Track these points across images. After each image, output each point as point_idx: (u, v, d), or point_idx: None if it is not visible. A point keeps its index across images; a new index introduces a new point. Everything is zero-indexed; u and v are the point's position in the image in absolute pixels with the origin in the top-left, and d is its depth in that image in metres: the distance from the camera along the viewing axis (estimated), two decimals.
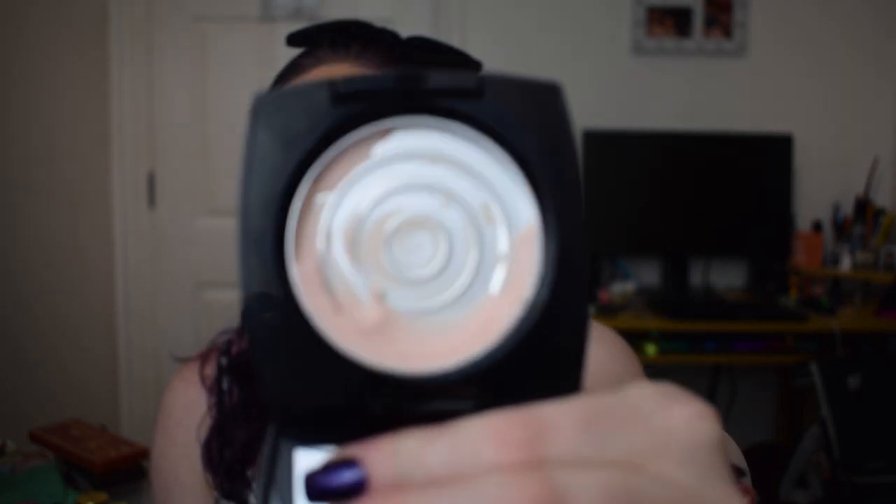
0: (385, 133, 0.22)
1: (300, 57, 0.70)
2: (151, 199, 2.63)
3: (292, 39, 0.72)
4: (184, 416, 0.73)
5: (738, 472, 0.29)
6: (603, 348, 0.65)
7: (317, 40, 0.71)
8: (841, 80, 2.64)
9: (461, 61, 0.72)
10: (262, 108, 0.21)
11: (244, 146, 0.21)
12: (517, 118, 0.21)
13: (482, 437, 0.19)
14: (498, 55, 2.57)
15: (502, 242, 0.22)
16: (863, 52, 2.64)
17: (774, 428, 2.67)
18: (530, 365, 0.21)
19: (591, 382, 0.65)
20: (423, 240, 0.22)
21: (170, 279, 2.63)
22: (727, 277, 2.63)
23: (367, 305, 0.22)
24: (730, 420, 2.55)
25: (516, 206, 0.22)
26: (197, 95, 2.60)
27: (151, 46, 2.59)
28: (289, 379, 0.21)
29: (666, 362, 2.27)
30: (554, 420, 0.19)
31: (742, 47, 2.61)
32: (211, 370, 0.73)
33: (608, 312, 2.27)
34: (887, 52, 2.65)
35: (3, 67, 2.30)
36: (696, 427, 0.20)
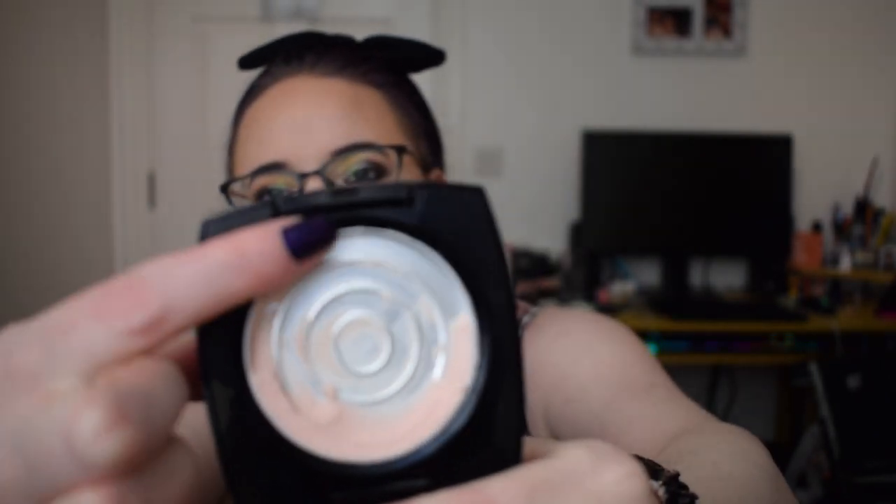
0: None
1: (258, 78, 0.69)
2: (152, 199, 2.63)
3: (244, 62, 0.70)
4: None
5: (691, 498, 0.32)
6: (615, 347, 0.65)
7: (270, 58, 0.69)
8: (840, 80, 2.65)
9: (422, 54, 0.71)
10: (210, 232, 0.23)
11: None
12: (446, 222, 0.24)
13: None
14: (498, 55, 2.57)
15: (441, 334, 0.24)
16: (862, 52, 2.64)
17: (774, 428, 2.67)
18: (474, 444, 0.23)
19: (605, 380, 0.64)
20: (369, 337, 0.24)
21: None
22: (727, 277, 2.63)
23: (322, 403, 0.23)
24: (729, 420, 2.55)
25: (451, 300, 0.24)
26: (197, 95, 2.60)
27: (151, 46, 2.59)
28: (255, 478, 0.23)
29: (666, 362, 2.26)
30: (498, 495, 0.21)
31: (742, 48, 2.61)
32: None
33: (608, 312, 2.27)
34: (886, 53, 2.65)
35: (4, 68, 2.31)
36: (625, 486, 0.22)
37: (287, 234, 0.22)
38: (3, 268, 2.31)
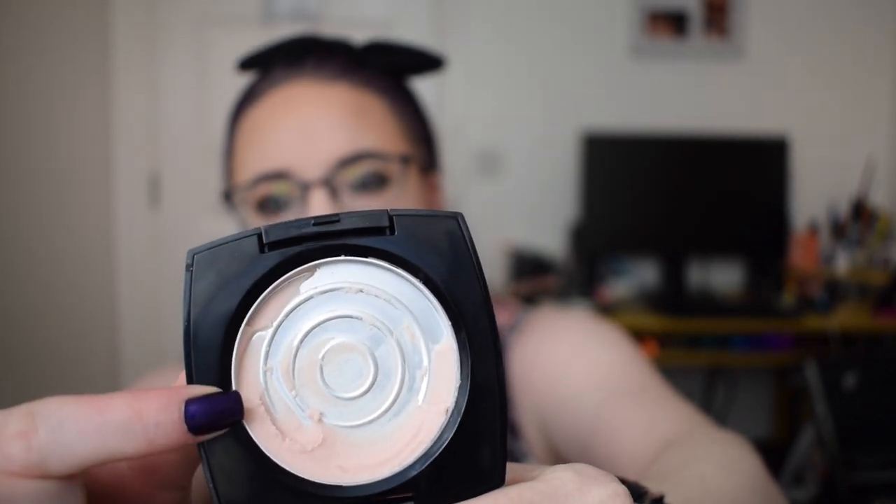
0: (311, 270, 0.24)
1: (257, 82, 0.68)
2: (154, 199, 2.64)
3: (244, 64, 0.69)
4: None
5: None
6: (607, 349, 0.65)
7: (270, 62, 0.68)
8: (837, 81, 2.66)
9: (422, 60, 0.70)
10: (197, 262, 0.24)
11: (184, 297, 0.24)
12: (425, 248, 0.24)
13: None
14: (498, 57, 2.58)
15: (424, 358, 0.25)
16: (859, 54, 2.66)
17: (771, 426, 2.69)
18: (458, 464, 0.24)
19: (592, 380, 0.64)
20: (353, 362, 0.24)
21: (172, 280, 2.64)
22: (724, 277, 2.64)
23: (308, 428, 0.24)
24: (727, 419, 2.57)
25: (433, 324, 0.25)
26: (199, 96, 2.61)
27: (154, 47, 2.60)
28: (244, 502, 0.23)
29: (663, 361, 2.28)
30: None
31: (739, 50, 2.62)
32: None
33: (606, 311, 2.28)
34: (883, 54, 2.67)
35: (6, 68, 2.31)
36: None
37: (190, 407, 0.22)
38: (3, 268, 2.32)
